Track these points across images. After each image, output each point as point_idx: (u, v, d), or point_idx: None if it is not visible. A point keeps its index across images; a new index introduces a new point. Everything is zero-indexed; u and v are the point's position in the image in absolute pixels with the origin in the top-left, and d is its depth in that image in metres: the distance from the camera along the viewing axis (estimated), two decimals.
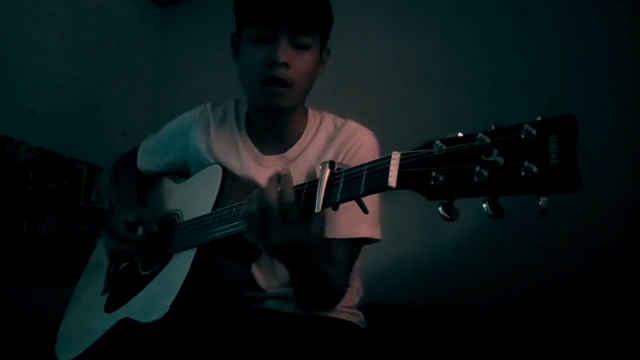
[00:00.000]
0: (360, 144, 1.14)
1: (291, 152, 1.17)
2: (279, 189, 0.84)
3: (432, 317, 1.65)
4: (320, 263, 0.96)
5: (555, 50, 1.88)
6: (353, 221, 1.07)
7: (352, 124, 1.20)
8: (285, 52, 1.06)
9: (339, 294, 1.07)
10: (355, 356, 1.09)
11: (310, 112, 1.24)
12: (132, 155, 1.40)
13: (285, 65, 1.06)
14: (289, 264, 0.95)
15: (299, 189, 0.84)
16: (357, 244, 1.10)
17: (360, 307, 1.22)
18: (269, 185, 0.85)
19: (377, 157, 0.72)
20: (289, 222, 0.82)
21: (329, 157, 1.12)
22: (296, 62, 1.08)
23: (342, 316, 1.15)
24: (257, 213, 0.84)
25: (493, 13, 2.05)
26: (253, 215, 0.85)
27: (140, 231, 1.19)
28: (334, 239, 1.07)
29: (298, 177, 0.89)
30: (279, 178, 0.85)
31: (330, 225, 1.08)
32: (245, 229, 0.91)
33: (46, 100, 2.23)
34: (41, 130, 2.20)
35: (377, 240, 1.11)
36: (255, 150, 1.20)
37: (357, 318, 1.19)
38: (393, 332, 1.53)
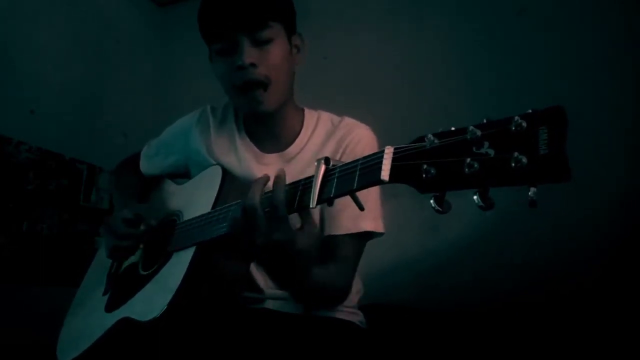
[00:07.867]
0: (358, 139, 1.15)
1: (290, 149, 1.19)
2: (267, 189, 0.86)
3: (432, 317, 1.65)
4: (312, 266, 0.96)
5: (555, 50, 1.89)
6: (355, 216, 1.07)
7: (349, 120, 1.21)
8: (248, 54, 1.07)
9: (340, 293, 1.07)
10: (355, 356, 1.09)
11: (307, 111, 1.25)
12: (134, 159, 1.42)
13: (253, 65, 1.07)
14: (274, 266, 0.97)
15: (294, 185, 0.85)
16: (361, 239, 1.11)
17: (360, 307, 1.22)
18: (254, 186, 0.87)
19: (376, 151, 0.73)
20: (275, 221, 0.84)
21: (327, 153, 1.13)
22: (263, 59, 1.09)
23: (342, 316, 1.15)
24: (240, 214, 0.87)
25: (492, 13, 2.05)
26: (236, 218, 0.88)
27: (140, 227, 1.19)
28: (337, 235, 1.08)
29: (298, 174, 0.90)
30: (267, 180, 0.88)
31: (332, 221, 1.09)
32: (229, 230, 0.93)
33: (46, 100, 2.23)
34: (41, 130, 2.19)
35: (380, 234, 1.12)
36: (255, 149, 1.21)
37: (357, 318, 1.19)
38: (393, 332, 1.53)
